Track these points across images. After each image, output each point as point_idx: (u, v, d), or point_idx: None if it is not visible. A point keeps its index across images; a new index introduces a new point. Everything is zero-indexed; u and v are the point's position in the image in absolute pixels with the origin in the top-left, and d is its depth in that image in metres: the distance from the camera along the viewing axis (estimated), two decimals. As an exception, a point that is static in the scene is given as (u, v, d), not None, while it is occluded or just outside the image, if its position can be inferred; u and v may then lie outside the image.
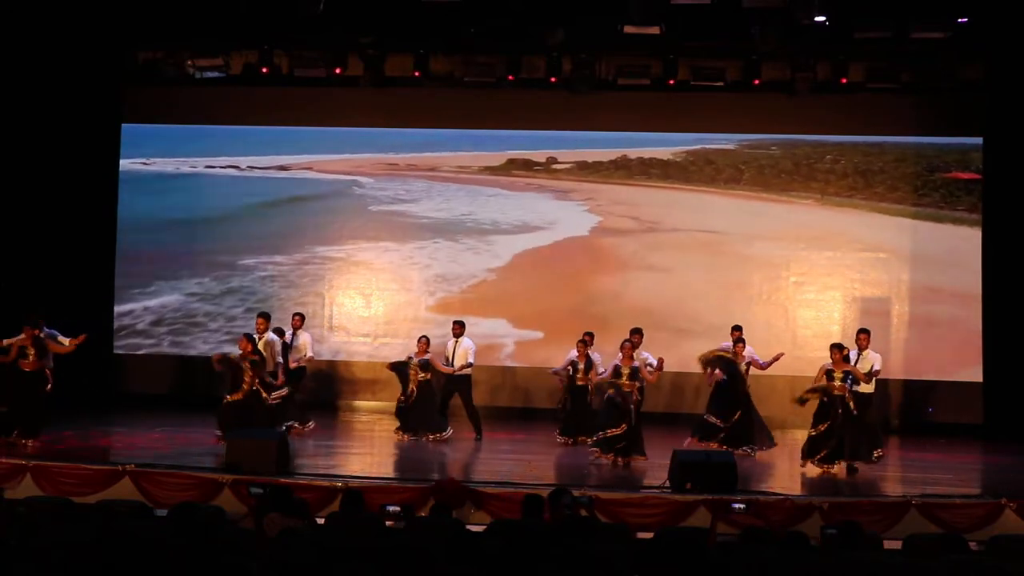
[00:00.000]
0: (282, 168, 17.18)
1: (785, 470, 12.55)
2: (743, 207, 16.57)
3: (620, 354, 12.54)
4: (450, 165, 17.10)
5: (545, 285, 16.63)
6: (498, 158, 17.05)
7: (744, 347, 13.17)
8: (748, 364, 13.19)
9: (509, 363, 16.40)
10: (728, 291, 16.04)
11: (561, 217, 16.94)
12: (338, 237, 16.90)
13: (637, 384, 12.34)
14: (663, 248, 16.59)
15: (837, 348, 12.20)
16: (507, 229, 16.94)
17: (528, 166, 17.13)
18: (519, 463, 12.23)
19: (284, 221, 17.05)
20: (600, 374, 13.18)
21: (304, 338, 14.07)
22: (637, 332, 13.19)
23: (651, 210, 16.81)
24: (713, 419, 13.04)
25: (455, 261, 16.82)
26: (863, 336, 12.49)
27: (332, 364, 16.45)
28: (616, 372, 12.42)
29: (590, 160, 16.91)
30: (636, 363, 12.50)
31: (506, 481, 10.68)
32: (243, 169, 17.22)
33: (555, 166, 17.06)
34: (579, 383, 13.57)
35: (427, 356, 13.68)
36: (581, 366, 13.57)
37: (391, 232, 16.91)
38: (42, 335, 12.26)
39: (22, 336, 12.18)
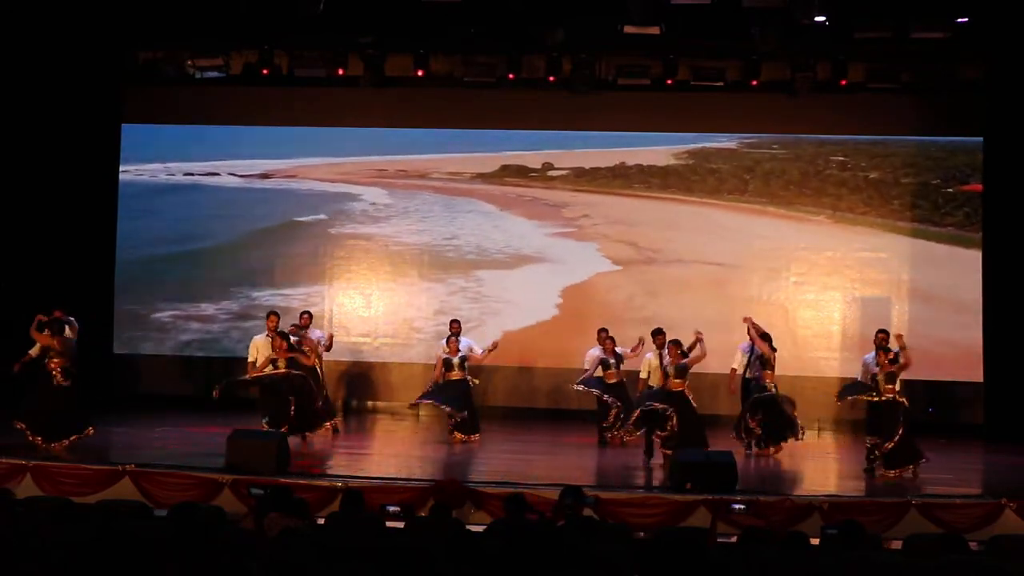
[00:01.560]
0: (265, 176, 16.99)
1: (785, 470, 12.55)
2: (750, 227, 16.22)
3: (667, 355, 12.45)
4: (442, 170, 16.82)
5: (527, 354, 16.02)
6: (493, 161, 16.80)
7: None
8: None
9: (529, 364, 16.29)
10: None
11: (552, 245, 16.52)
12: (292, 277, 16.59)
13: (687, 382, 12.38)
14: (663, 290, 15.88)
15: (884, 351, 12.00)
16: (492, 260, 16.50)
17: (523, 173, 16.80)
18: (520, 463, 12.25)
19: (241, 257, 16.73)
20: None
21: (315, 335, 13.98)
22: (660, 333, 13.00)
23: (651, 233, 16.40)
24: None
25: (438, 312, 16.00)
26: (881, 335, 12.46)
27: (332, 364, 16.41)
28: (665, 372, 12.39)
29: (587, 166, 16.65)
30: (684, 361, 12.41)
31: (506, 481, 10.68)
32: (222, 176, 17.00)
33: (551, 172, 16.75)
34: (610, 381, 13.55)
35: (460, 353, 13.67)
36: (612, 362, 13.56)
37: (356, 269, 16.64)
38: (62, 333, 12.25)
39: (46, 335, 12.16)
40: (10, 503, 7.81)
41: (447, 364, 13.56)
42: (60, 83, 15.34)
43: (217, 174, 17.08)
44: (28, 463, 10.67)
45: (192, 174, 17.05)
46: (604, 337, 13.70)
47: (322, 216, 16.86)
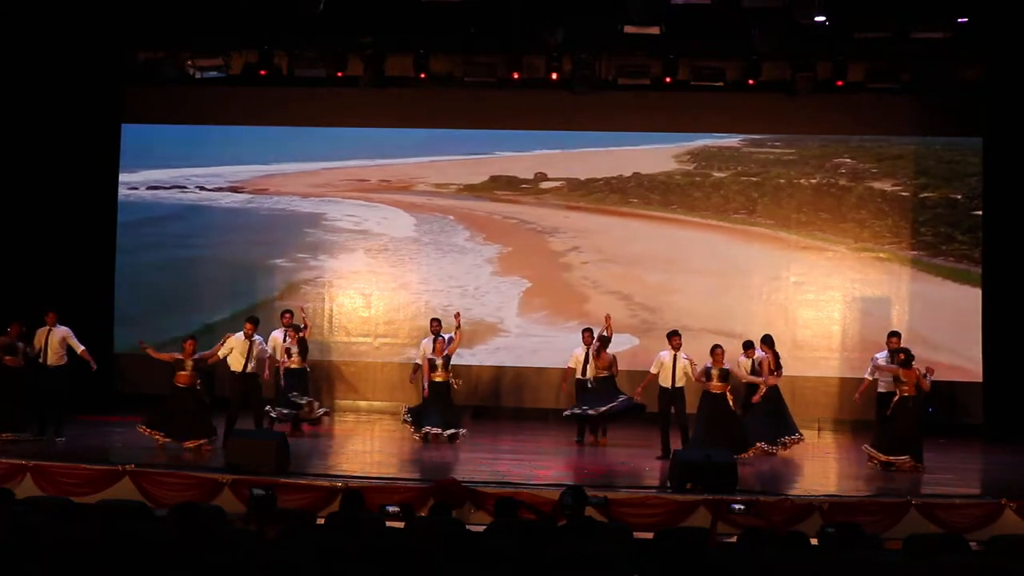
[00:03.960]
0: (234, 189, 16.86)
1: (785, 470, 12.54)
2: (766, 263, 15.94)
3: (711, 358, 12.59)
4: (429, 180, 16.62)
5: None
6: (484, 168, 16.55)
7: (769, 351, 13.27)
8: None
9: (506, 363, 16.29)
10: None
11: (527, 313, 15.92)
12: (290, 279, 16.47)
13: (728, 385, 12.54)
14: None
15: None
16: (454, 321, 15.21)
17: (513, 185, 16.52)
18: (520, 463, 12.25)
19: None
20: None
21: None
22: (676, 335, 13.11)
23: (649, 277, 15.93)
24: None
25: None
26: (894, 339, 12.53)
27: (332, 364, 16.43)
28: (707, 374, 12.56)
29: (583, 177, 16.40)
30: (727, 366, 12.63)
31: (506, 481, 10.68)
32: (210, 182, 16.86)
33: (544, 184, 16.48)
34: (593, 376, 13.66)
35: (444, 353, 13.70)
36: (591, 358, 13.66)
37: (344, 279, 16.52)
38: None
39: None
40: (10, 503, 7.81)
41: (432, 365, 13.62)
42: (60, 83, 15.35)
43: (184, 187, 16.91)
44: (28, 463, 10.67)
45: (179, 183, 16.96)
46: (589, 337, 13.81)
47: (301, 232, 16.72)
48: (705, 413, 12.55)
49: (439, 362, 13.60)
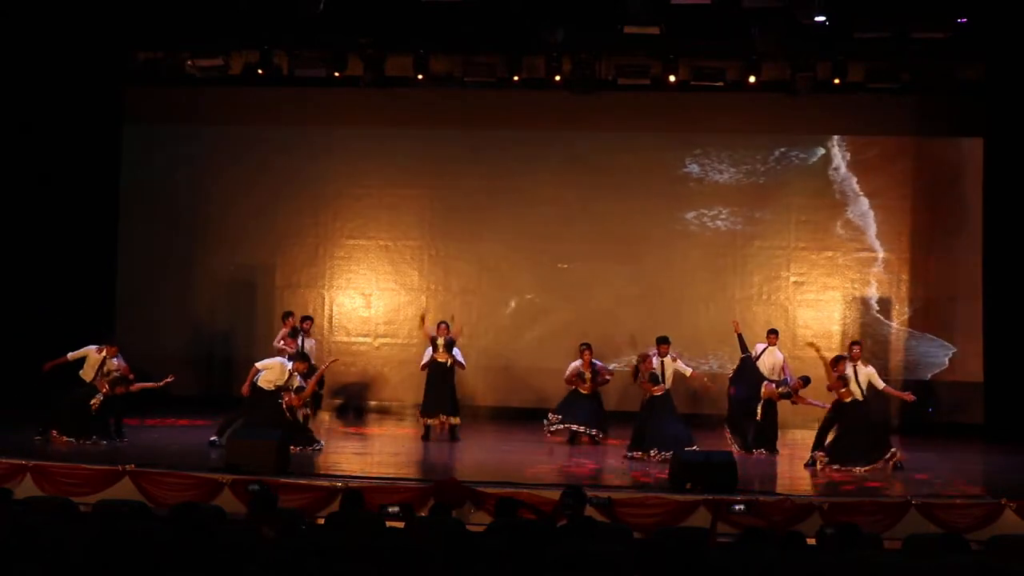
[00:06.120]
0: (232, 188, 16.80)
1: (785, 470, 12.55)
2: (767, 265, 16.09)
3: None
4: (424, 184, 16.50)
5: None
6: (482, 167, 16.38)
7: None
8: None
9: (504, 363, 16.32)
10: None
11: None
12: (291, 277, 16.57)
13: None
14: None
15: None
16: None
17: (506, 191, 16.35)
18: (520, 463, 12.25)
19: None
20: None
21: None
22: (665, 342, 13.17)
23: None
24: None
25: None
26: (856, 349, 12.64)
27: (332, 364, 16.39)
28: (653, 379, 12.82)
29: (580, 181, 16.22)
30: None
31: (506, 481, 10.68)
32: (191, 190, 16.81)
33: (538, 189, 16.27)
34: (583, 392, 13.68)
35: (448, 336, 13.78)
36: (587, 375, 13.68)
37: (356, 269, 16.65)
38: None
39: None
40: (10, 503, 7.82)
41: (433, 345, 13.69)
42: (61, 83, 15.35)
43: (185, 186, 16.89)
44: (28, 463, 10.67)
45: (179, 181, 16.92)
46: (583, 351, 13.83)
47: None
48: (648, 412, 12.71)
49: (440, 342, 13.64)
